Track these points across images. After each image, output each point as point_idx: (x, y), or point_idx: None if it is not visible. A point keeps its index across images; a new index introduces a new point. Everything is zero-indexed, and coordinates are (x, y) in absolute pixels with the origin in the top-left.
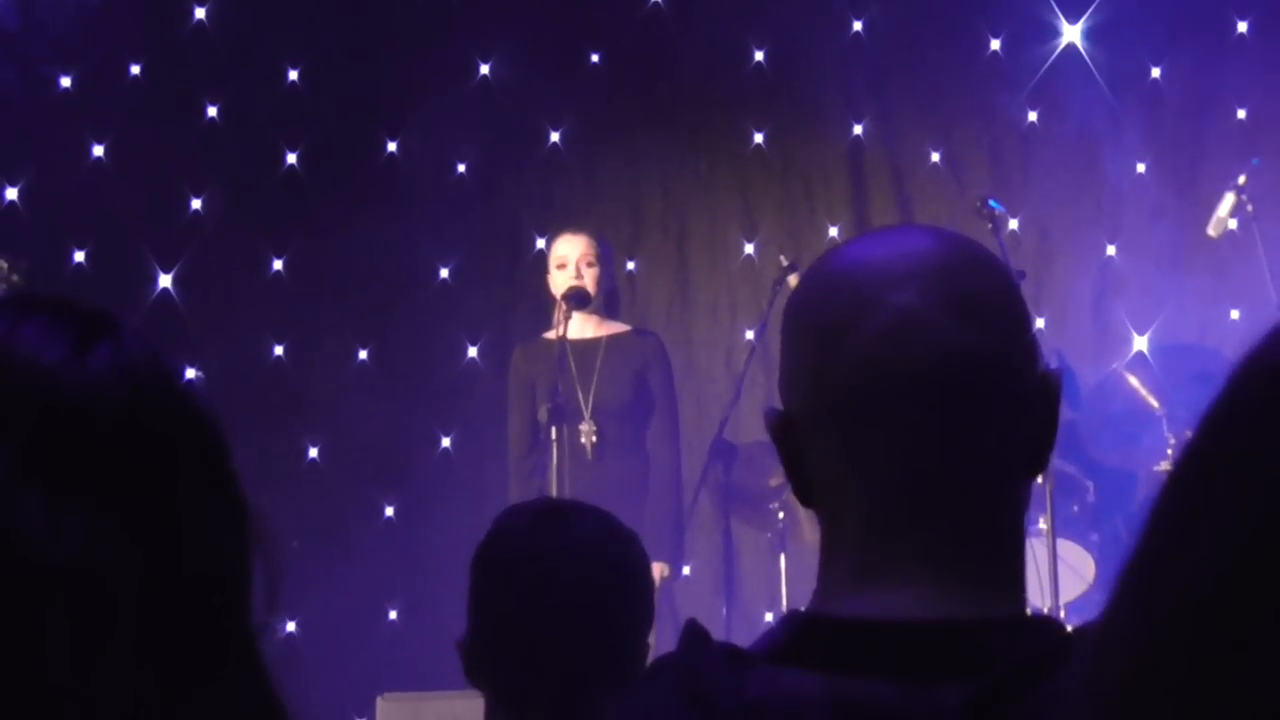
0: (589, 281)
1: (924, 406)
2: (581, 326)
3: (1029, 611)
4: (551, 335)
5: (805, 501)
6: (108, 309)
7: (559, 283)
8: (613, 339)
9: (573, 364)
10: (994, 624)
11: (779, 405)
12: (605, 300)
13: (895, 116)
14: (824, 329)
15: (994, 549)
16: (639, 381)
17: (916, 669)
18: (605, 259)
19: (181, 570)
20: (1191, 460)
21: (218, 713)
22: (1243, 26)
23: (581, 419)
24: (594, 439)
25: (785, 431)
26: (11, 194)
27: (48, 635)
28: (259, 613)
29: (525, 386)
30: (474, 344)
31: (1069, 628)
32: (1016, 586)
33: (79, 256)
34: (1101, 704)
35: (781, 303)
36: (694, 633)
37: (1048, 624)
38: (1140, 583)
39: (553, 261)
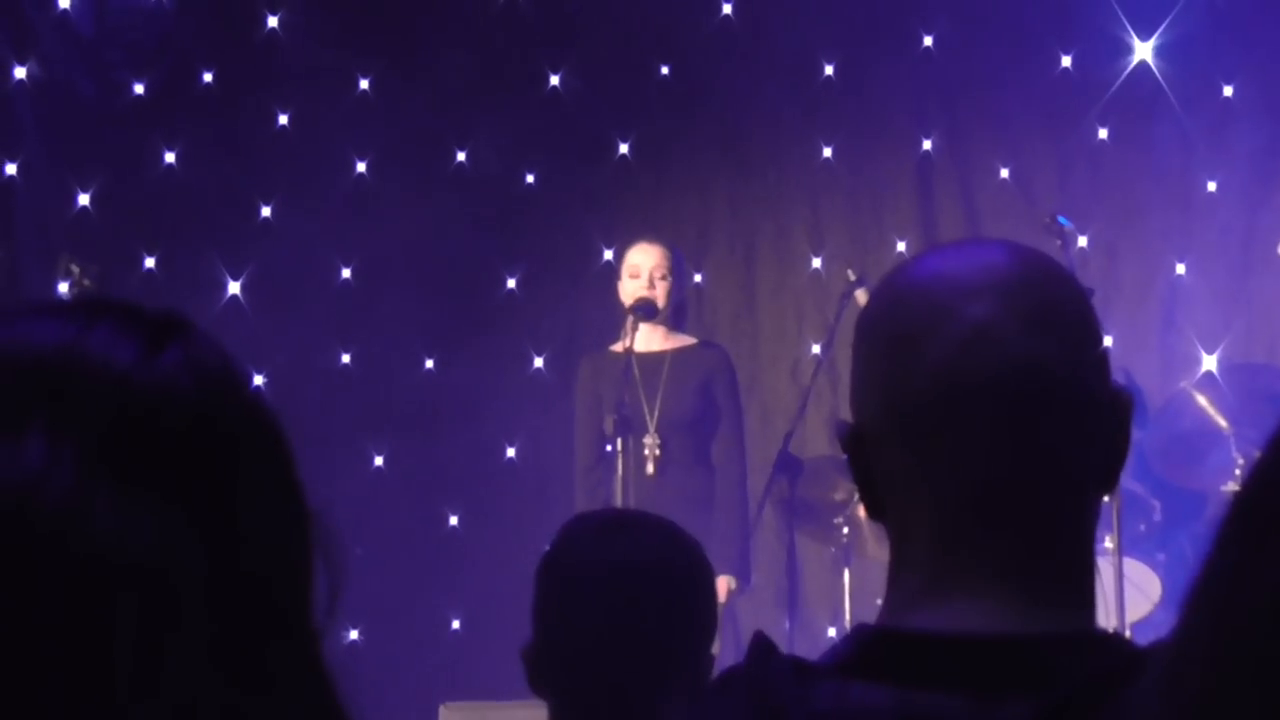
0: (660, 293)
1: (998, 419)
2: (648, 338)
3: (1096, 628)
4: (618, 347)
5: (874, 515)
6: (177, 310)
7: (629, 291)
8: (678, 351)
9: (638, 376)
10: (1062, 640)
11: (848, 418)
12: (673, 312)
13: (964, 131)
14: (898, 340)
15: (1064, 565)
16: (704, 394)
17: (984, 684)
18: (677, 271)
19: (243, 570)
20: (1263, 478)
21: (280, 716)
22: None
23: (646, 432)
24: (658, 452)
25: (855, 444)
26: (84, 199)
27: (117, 633)
28: (320, 616)
29: (592, 398)
30: (540, 354)
31: (1136, 645)
32: (1086, 603)
33: (149, 262)
34: None
35: (848, 317)
36: (762, 645)
37: (1115, 641)
38: (1214, 599)
39: (625, 270)
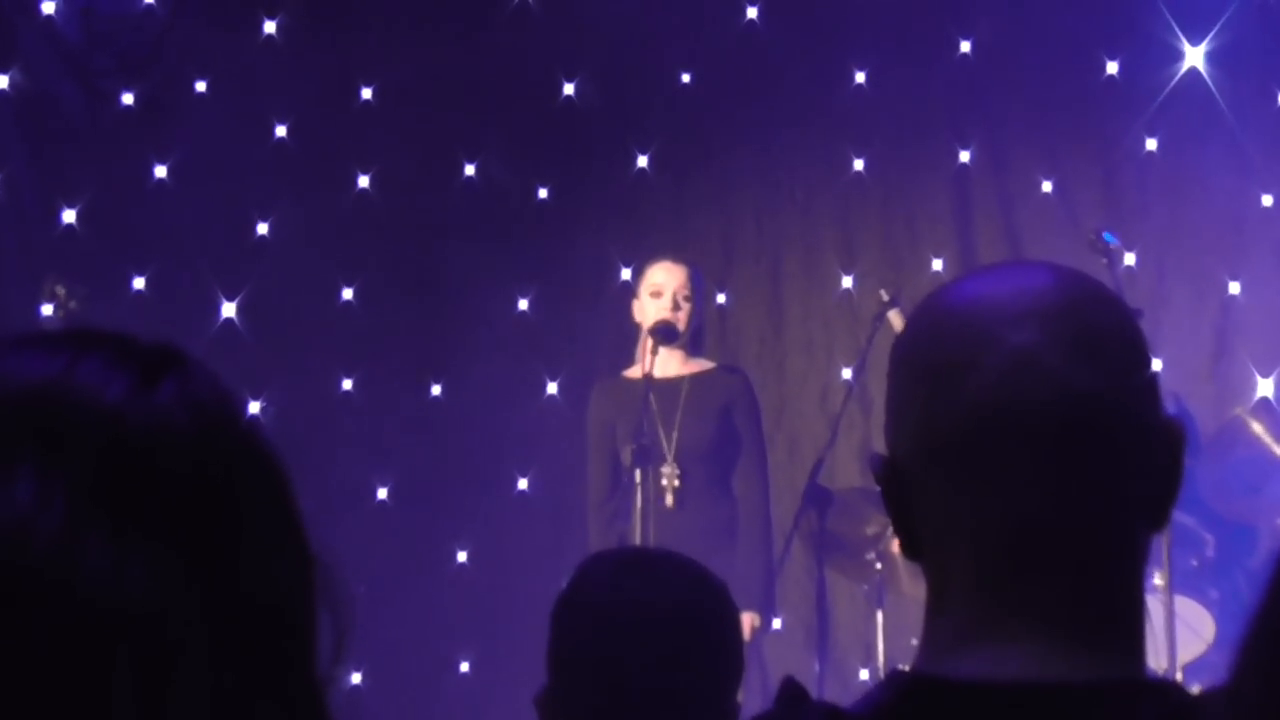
0: (682, 316)
1: (1043, 452)
2: (665, 363)
3: (1147, 673)
4: (633, 373)
5: (910, 553)
6: (172, 342)
7: (649, 312)
8: (697, 377)
9: (655, 403)
10: (1110, 687)
11: (882, 450)
12: (691, 336)
13: (1004, 142)
14: (936, 370)
15: (1112, 606)
16: (724, 422)
17: None
18: (699, 293)
19: (244, 617)
20: None
21: None
22: None
23: (664, 462)
24: (676, 483)
25: (891, 478)
26: (69, 216)
27: (113, 684)
28: (325, 664)
29: (604, 427)
30: (554, 379)
31: (1189, 691)
32: (1135, 647)
33: (139, 283)
34: None
35: (881, 340)
36: (792, 691)
37: (1166, 688)
38: (1268, 647)
39: (645, 288)
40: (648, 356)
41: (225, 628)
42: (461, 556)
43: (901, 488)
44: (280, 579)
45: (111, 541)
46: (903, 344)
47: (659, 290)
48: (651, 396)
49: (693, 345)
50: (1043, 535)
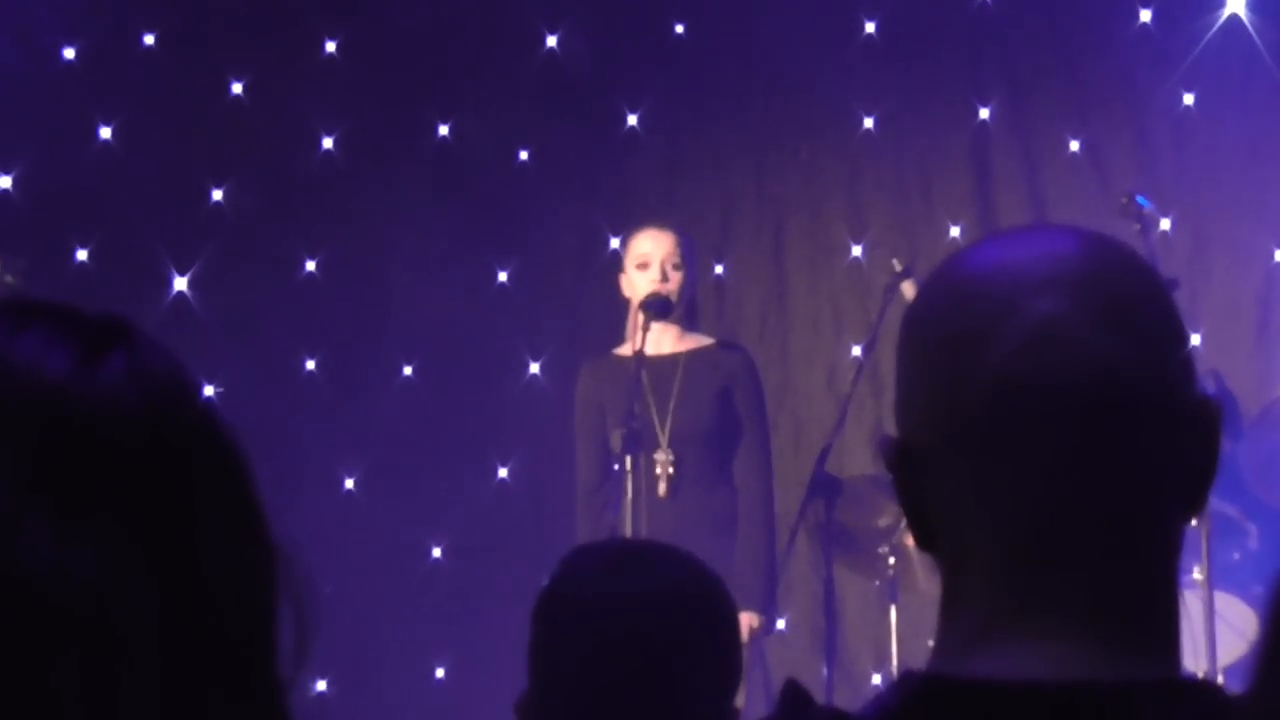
0: (673, 286)
1: (1067, 431)
2: (658, 340)
3: (1183, 674)
4: (624, 350)
5: (924, 544)
6: (119, 314)
7: (638, 286)
8: (694, 354)
9: (647, 383)
10: (1142, 688)
11: (893, 431)
12: (686, 309)
13: (1027, 98)
14: (951, 342)
15: (1144, 600)
16: (723, 403)
17: None
18: (690, 261)
19: (200, 611)
20: None
21: None
22: None
23: (657, 447)
24: (671, 470)
25: (902, 462)
26: (5, 182)
27: (60, 681)
28: (288, 665)
29: (594, 410)
30: (537, 359)
31: (1229, 694)
32: (1169, 644)
33: (82, 255)
34: None
35: (894, 314)
36: (794, 694)
37: (1204, 689)
38: None
39: (631, 260)
40: (639, 333)
41: (180, 622)
42: (436, 552)
43: (914, 473)
44: (240, 569)
45: (55, 528)
46: (914, 315)
47: (645, 261)
48: (644, 376)
49: (688, 319)
50: (1067, 521)
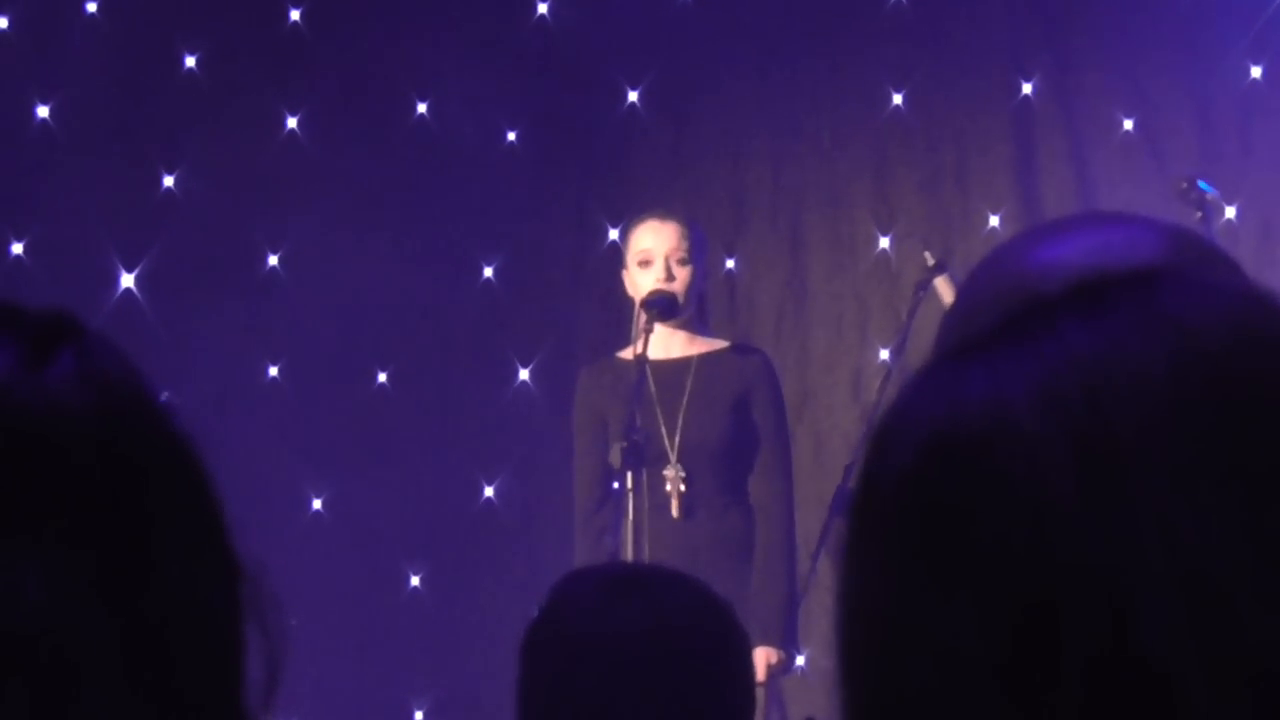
0: (679, 284)
1: None
2: (666, 343)
3: None
4: (628, 353)
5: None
6: (67, 310)
7: (640, 284)
8: (706, 358)
9: (654, 391)
10: None
11: None
12: (696, 307)
13: (1075, 71)
14: None
15: None
16: (739, 413)
17: None
18: (700, 254)
19: (159, 636)
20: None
21: None
22: None
23: (665, 462)
24: (681, 488)
25: None
26: None
27: (7, 716)
28: (255, 699)
29: (595, 420)
30: (526, 365)
31: None
32: None
33: (17, 249)
34: None
35: (926, 314)
36: None
37: None
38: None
39: (632, 256)
40: (644, 336)
41: (137, 649)
42: (415, 580)
43: None
44: (202, 593)
45: None
46: (955, 318)
47: (647, 256)
48: (650, 383)
49: (698, 319)
50: None
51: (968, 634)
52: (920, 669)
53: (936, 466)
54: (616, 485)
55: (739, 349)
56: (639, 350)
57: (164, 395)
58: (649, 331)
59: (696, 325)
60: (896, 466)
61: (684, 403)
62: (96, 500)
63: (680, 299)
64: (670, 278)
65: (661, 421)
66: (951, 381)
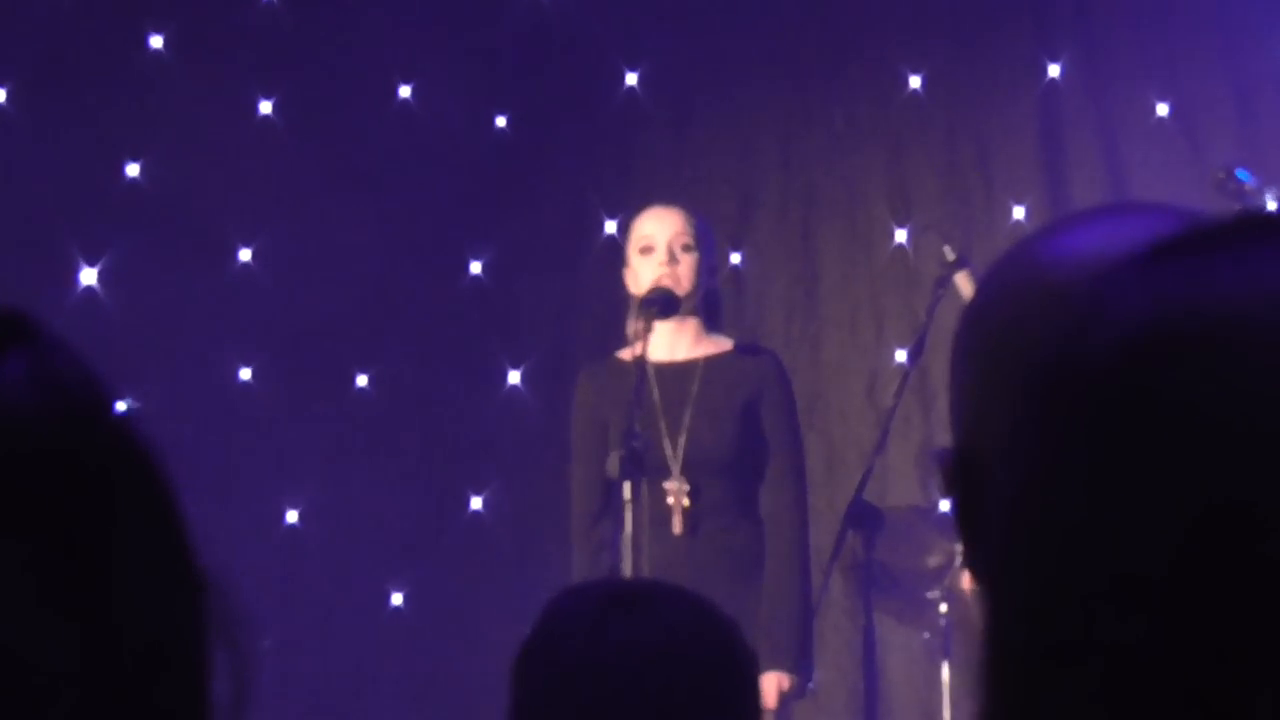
0: (684, 275)
1: None
2: (671, 342)
3: None
4: (630, 354)
5: (986, 580)
6: (20, 308)
7: (641, 274)
8: (713, 360)
9: (657, 395)
10: None
11: (949, 444)
12: (704, 304)
13: (1106, 52)
14: (1024, 349)
15: None
16: (748, 419)
17: None
18: (706, 244)
19: (118, 656)
20: None
21: None
22: None
23: (668, 473)
24: (685, 501)
25: (965, 479)
26: None
27: None
28: None
29: (594, 425)
30: (517, 366)
31: None
32: None
33: None
34: None
35: (945, 312)
36: None
37: None
38: None
39: (633, 245)
40: (644, 335)
41: (95, 670)
42: (397, 599)
43: (978, 492)
44: (163, 607)
45: None
46: (977, 314)
47: (649, 243)
48: (653, 386)
49: (707, 317)
50: None
51: (1158, 530)
52: (1103, 565)
53: (1165, 358)
54: (616, 498)
55: (748, 350)
56: (638, 352)
57: (127, 400)
58: (648, 331)
59: (705, 324)
60: (1108, 352)
61: (688, 408)
62: (48, 511)
63: (682, 294)
64: (673, 261)
65: (664, 428)
66: (1186, 273)
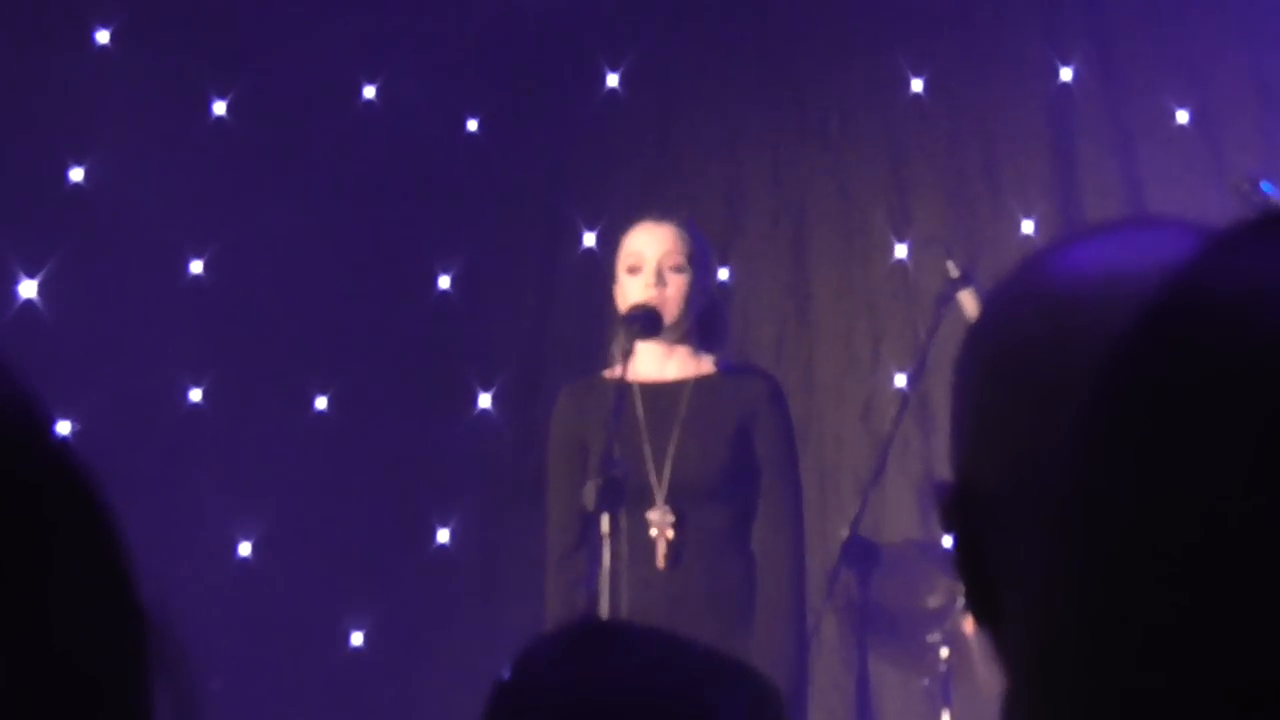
0: (672, 298)
1: None
2: (660, 363)
3: None
4: (618, 372)
5: (987, 621)
6: None
7: (628, 294)
8: (704, 381)
9: (642, 417)
10: None
11: (949, 477)
12: (697, 325)
13: (1121, 55)
14: (1034, 374)
15: None
16: (740, 445)
17: None
18: (701, 263)
19: (53, 692)
20: None
21: None
22: None
23: (651, 501)
24: (669, 533)
25: (964, 515)
26: None
27: None
28: None
29: (574, 448)
30: (487, 388)
31: None
32: None
33: None
34: None
35: (948, 332)
36: None
37: None
38: None
39: (621, 262)
40: (623, 357)
41: (26, 708)
42: (357, 639)
43: (978, 529)
44: (102, 645)
45: None
46: (982, 335)
47: (636, 261)
48: (639, 408)
49: (701, 337)
50: None
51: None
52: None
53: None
54: (593, 530)
55: (742, 370)
56: (619, 374)
57: (67, 421)
58: (629, 352)
59: (697, 343)
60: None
61: (675, 432)
62: None
63: (670, 313)
64: (661, 284)
65: (649, 454)
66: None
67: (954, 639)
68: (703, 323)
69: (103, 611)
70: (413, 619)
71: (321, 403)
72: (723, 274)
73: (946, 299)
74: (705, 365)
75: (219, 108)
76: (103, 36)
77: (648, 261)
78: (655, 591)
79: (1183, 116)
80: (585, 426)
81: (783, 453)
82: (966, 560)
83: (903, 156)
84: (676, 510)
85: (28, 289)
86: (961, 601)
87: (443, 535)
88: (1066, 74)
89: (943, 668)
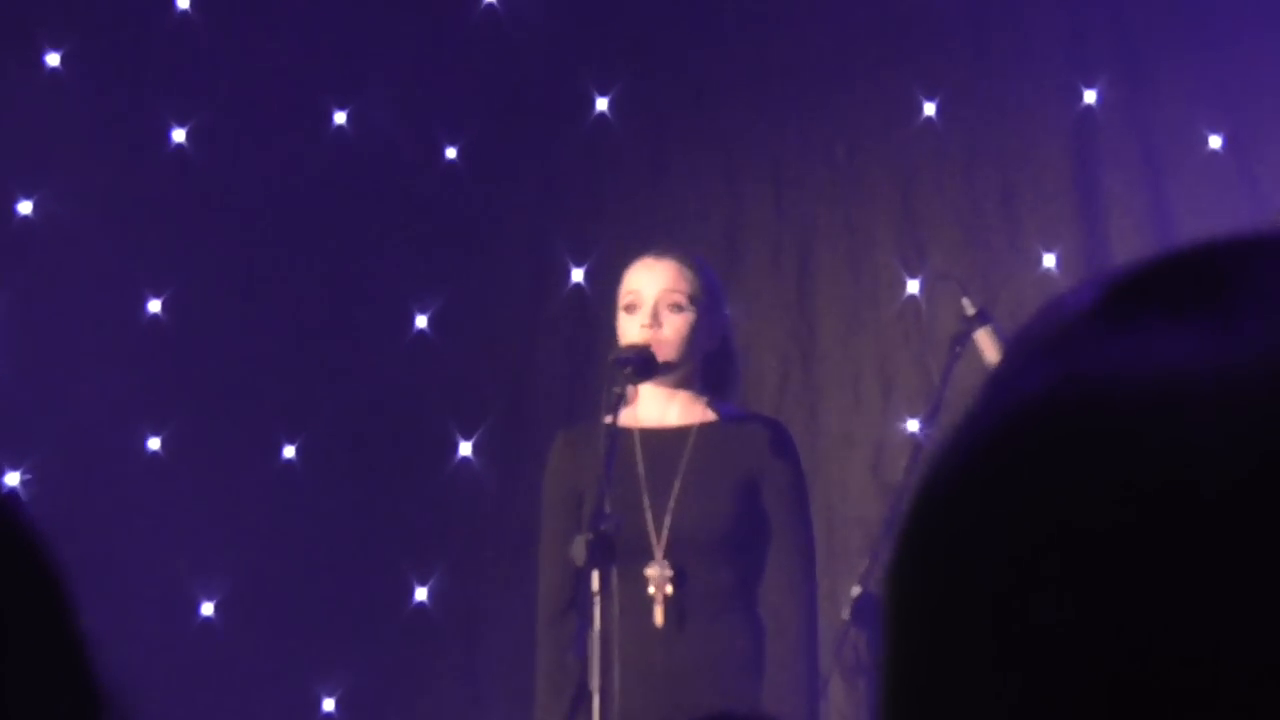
0: (669, 339)
1: None
2: (662, 407)
3: None
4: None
5: None
6: None
7: (625, 334)
8: (708, 428)
9: (641, 465)
10: None
11: None
12: (703, 366)
13: (1149, 77)
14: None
15: None
16: (747, 497)
17: None
18: (706, 302)
19: None
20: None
21: None
22: None
23: (649, 557)
24: (668, 590)
25: None
26: None
27: None
28: None
29: (569, 498)
30: (468, 436)
31: None
32: None
33: None
34: None
35: (964, 374)
36: None
37: None
38: None
39: (620, 301)
40: (614, 402)
41: None
42: (329, 705)
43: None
44: None
45: None
46: (1006, 379)
47: (634, 300)
48: (639, 457)
49: (705, 381)
50: None
51: None
52: None
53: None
54: (583, 588)
55: (749, 418)
56: (610, 419)
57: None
58: (620, 396)
59: (702, 387)
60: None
61: (677, 481)
62: None
63: (666, 354)
64: (657, 324)
65: (647, 504)
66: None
67: None
68: (710, 366)
69: (52, 692)
70: (389, 684)
71: (290, 451)
72: None
73: (962, 339)
74: (710, 412)
75: (178, 135)
76: (53, 59)
77: (645, 300)
78: (652, 653)
79: (1215, 142)
80: (581, 476)
81: (793, 507)
82: None
83: (914, 186)
84: (676, 565)
85: None
86: None
87: (421, 594)
88: (1090, 96)
89: None
